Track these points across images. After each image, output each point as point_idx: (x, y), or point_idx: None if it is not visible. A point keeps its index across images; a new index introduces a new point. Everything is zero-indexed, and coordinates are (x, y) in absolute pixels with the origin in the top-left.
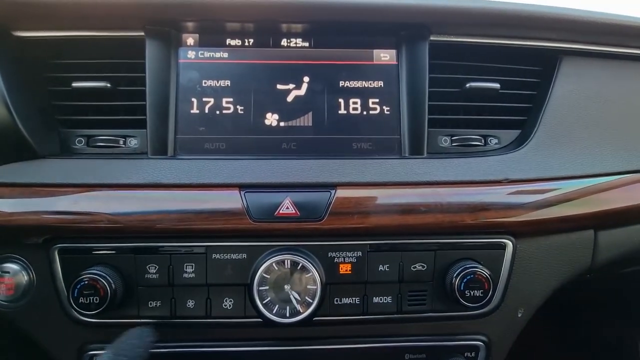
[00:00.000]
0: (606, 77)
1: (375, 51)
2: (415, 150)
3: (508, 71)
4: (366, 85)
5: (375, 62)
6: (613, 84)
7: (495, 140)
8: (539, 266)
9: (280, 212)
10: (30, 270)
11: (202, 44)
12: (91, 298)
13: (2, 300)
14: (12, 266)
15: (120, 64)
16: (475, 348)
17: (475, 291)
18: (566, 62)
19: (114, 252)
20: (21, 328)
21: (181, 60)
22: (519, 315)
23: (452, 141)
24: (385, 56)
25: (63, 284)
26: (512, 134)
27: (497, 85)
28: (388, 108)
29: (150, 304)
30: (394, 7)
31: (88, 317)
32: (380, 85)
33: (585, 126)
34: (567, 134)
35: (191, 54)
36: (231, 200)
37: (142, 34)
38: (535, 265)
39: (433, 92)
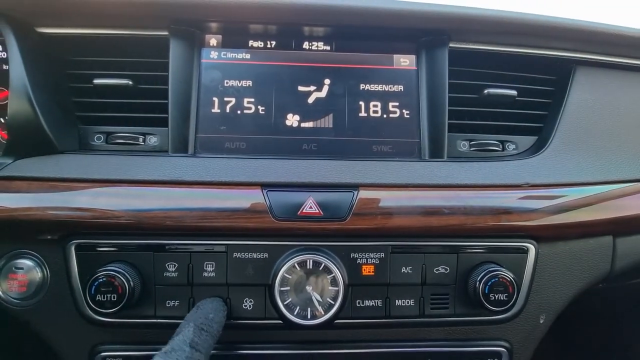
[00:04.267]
0: (619, 87)
1: (395, 56)
2: (435, 154)
3: (524, 79)
4: (386, 89)
5: (395, 67)
6: (626, 93)
7: (513, 146)
8: (559, 271)
9: (304, 211)
10: (45, 267)
11: (224, 45)
12: (108, 296)
13: (13, 298)
14: (26, 262)
15: (142, 62)
16: (498, 354)
17: (500, 295)
18: (580, 71)
19: (132, 249)
20: (31, 327)
21: (204, 60)
22: (541, 322)
23: (470, 146)
24: (405, 61)
25: (78, 281)
26: (529, 140)
27: (514, 92)
28: (408, 112)
29: (168, 304)
30: (414, 14)
31: (103, 317)
32: (400, 90)
33: (600, 134)
34: (583, 141)
35: (214, 55)
36: (254, 199)
37: (167, 33)
38: (556, 271)
39: (452, 98)
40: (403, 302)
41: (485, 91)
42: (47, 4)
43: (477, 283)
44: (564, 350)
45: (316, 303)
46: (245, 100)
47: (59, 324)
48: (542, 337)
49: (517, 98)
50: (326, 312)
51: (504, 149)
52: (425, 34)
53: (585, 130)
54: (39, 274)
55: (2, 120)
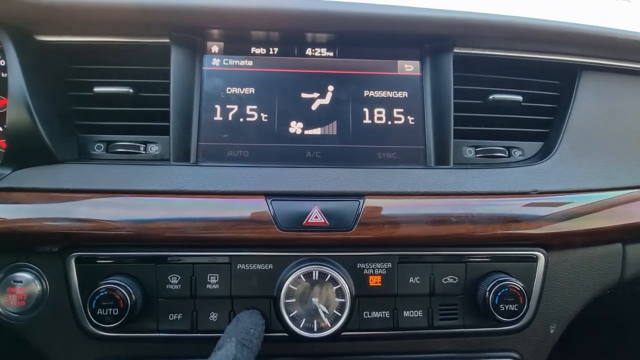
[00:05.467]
0: (625, 91)
1: (400, 62)
2: (441, 161)
3: (530, 84)
4: (390, 96)
5: (399, 73)
6: (633, 98)
7: (519, 152)
8: (569, 280)
9: (309, 221)
10: (44, 280)
11: (226, 52)
12: (109, 309)
13: (12, 312)
14: (24, 275)
15: (143, 70)
16: None
17: (510, 305)
18: (585, 76)
19: (133, 261)
20: (30, 342)
21: (205, 68)
22: (551, 332)
23: (476, 152)
24: (409, 67)
25: (79, 294)
26: (535, 146)
27: (519, 98)
28: (412, 118)
29: (171, 317)
30: (419, 20)
31: (104, 331)
32: (405, 96)
33: (607, 140)
34: (590, 147)
35: (215, 62)
36: (258, 209)
37: (168, 40)
38: (566, 279)
39: (457, 104)
40: (411, 313)
41: (491, 97)
42: (46, 12)
43: (487, 293)
44: None
45: (322, 315)
46: (248, 107)
47: (59, 338)
48: (552, 348)
49: (522, 103)
50: (333, 324)
51: (510, 155)
52: (429, 39)
53: (592, 136)
54: (38, 287)
55: (1, 129)
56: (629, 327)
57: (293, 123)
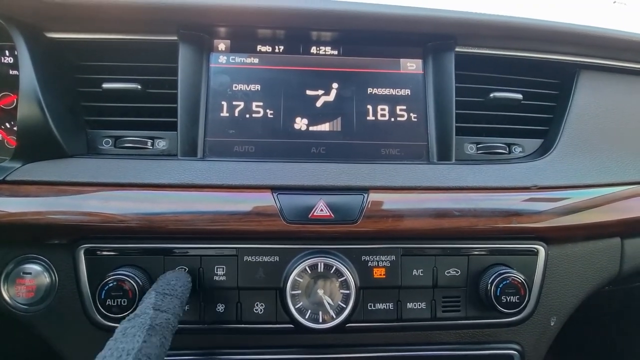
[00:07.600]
0: (623, 90)
1: (402, 60)
2: (444, 157)
3: (530, 83)
4: (393, 93)
5: (402, 71)
6: (630, 97)
7: (519, 149)
8: (569, 273)
9: (315, 214)
10: (53, 272)
11: (233, 49)
12: (118, 300)
13: (21, 304)
14: (33, 267)
15: (151, 67)
16: (510, 357)
17: (512, 297)
18: (584, 75)
19: (142, 253)
20: (39, 334)
21: (212, 65)
22: (552, 324)
23: (477, 149)
24: (411, 65)
25: (88, 286)
26: (535, 143)
27: (519, 96)
28: (415, 115)
29: None
30: (421, 19)
31: (112, 322)
32: (407, 94)
33: (605, 137)
34: (589, 144)
35: (222, 59)
36: (264, 202)
37: (176, 38)
38: (565, 272)
39: (458, 101)
40: (414, 305)
41: (491, 95)
42: (57, 9)
43: (489, 285)
44: (574, 355)
45: (328, 307)
46: (254, 104)
47: (67, 330)
48: (552, 341)
49: (522, 101)
50: (338, 315)
51: (510, 151)
52: (431, 38)
53: (590, 133)
54: (47, 279)
55: (8, 125)
56: (626, 324)
57: (298, 119)
